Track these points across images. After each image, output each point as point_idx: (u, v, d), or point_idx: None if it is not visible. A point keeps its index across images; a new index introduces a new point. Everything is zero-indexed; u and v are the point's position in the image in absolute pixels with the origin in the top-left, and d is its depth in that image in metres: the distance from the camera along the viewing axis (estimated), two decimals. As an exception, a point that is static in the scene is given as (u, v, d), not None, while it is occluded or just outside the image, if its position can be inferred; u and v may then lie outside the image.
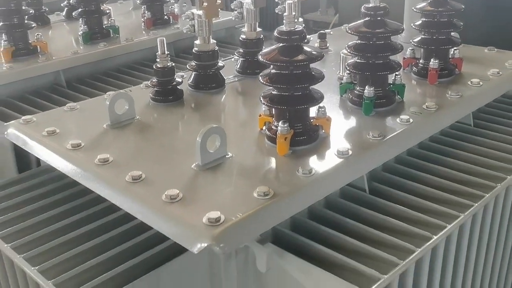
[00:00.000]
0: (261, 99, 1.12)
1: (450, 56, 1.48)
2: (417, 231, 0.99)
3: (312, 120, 1.13)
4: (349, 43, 1.29)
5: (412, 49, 1.50)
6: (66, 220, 1.11)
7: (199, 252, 0.95)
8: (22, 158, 1.41)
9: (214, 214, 0.87)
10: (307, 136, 1.11)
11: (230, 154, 1.08)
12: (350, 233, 0.99)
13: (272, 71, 1.10)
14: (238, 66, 1.54)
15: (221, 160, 1.06)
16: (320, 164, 1.03)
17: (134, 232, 1.05)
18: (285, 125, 1.07)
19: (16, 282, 1.05)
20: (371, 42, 1.24)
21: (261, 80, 1.10)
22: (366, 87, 1.24)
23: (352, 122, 1.23)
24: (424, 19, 1.45)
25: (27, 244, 1.04)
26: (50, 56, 1.79)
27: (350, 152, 1.07)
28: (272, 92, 1.11)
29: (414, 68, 1.48)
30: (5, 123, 1.29)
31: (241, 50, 1.54)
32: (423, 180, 1.18)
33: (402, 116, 1.21)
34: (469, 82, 1.41)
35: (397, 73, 1.30)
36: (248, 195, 0.94)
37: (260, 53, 1.10)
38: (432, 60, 1.41)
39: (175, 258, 0.94)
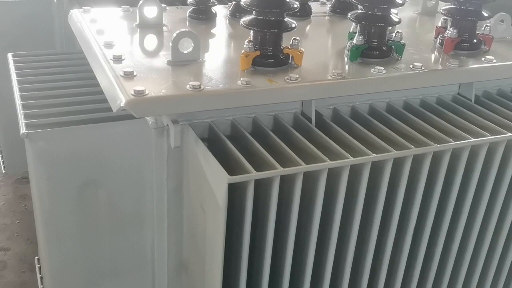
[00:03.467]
0: (241, 22, 1.26)
1: (480, 32, 1.45)
2: (319, 155, 1.07)
3: (283, 48, 1.25)
4: (358, -6, 1.35)
5: (445, 19, 1.49)
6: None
7: (138, 126, 1.17)
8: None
9: (140, 88, 1.06)
10: (275, 60, 1.23)
11: (201, 60, 1.25)
12: (265, 144, 1.11)
13: (253, -4, 1.23)
14: (230, 9, 1.63)
15: (191, 62, 1.23)
16: (263, 82, 1.16)
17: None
18: (250, 44, 1.20)
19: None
20: (373, -6, 1.30)
21: (243, 4, 1.25)
22: (357, 35, 1.31)
23: (334, 63, 1.32)
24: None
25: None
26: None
27: (299, 80, 1.17)
28: (252, 16, 1.25)
29: (440, 37, 1.48)
30: (71, 10, 1.61)
31: None
32: (374, 128, 1.23)
33: (378, 67, 1.26)
34: (483, 58, 1.38)
35: (399, 30, 1.34)
36: (183, 85, 1.11)
37: (247, -22, 1.24)
38: (451, 29, 1.40)
39: (120, 121, 1.17)
